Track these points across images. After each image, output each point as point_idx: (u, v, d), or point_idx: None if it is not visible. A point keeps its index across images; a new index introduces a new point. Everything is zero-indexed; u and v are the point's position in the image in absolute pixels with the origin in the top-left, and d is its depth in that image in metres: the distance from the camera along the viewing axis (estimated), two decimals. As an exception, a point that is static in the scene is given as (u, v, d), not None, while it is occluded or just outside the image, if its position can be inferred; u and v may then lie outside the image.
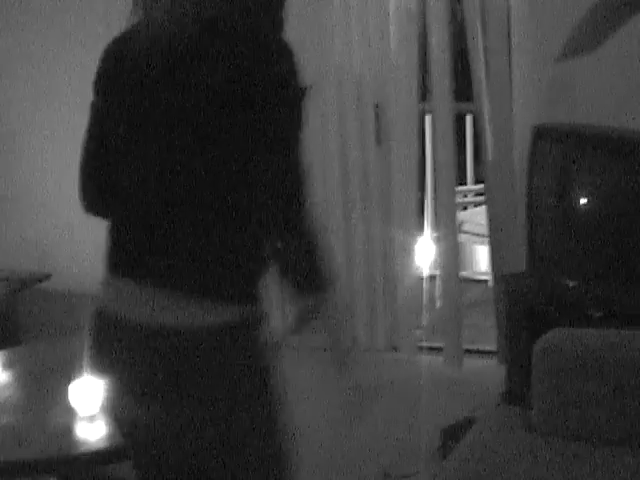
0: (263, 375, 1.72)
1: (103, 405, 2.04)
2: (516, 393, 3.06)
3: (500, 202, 3.90)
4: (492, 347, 4.11)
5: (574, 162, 3.21)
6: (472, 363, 4.11)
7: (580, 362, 2.28)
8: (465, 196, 5.52)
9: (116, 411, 1.83)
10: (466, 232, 5.04)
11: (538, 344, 2.36)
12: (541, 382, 2.33)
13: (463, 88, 4.12)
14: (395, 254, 4.19)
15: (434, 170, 4.54)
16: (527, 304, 3.26)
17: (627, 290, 2.88)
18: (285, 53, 1.64)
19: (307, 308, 1.71)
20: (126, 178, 1.77)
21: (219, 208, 1.67)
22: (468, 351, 4.21)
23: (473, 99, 3.95)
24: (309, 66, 1.85)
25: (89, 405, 2.33)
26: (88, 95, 1.83)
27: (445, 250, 4.12)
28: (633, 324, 2.61)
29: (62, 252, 4.78)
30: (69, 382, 2.38)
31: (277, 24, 1.72)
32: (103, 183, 1.86)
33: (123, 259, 1.76)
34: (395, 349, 4.25)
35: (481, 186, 4.75)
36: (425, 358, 4.12)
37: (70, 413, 2.35)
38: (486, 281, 5.18)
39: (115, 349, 1.71)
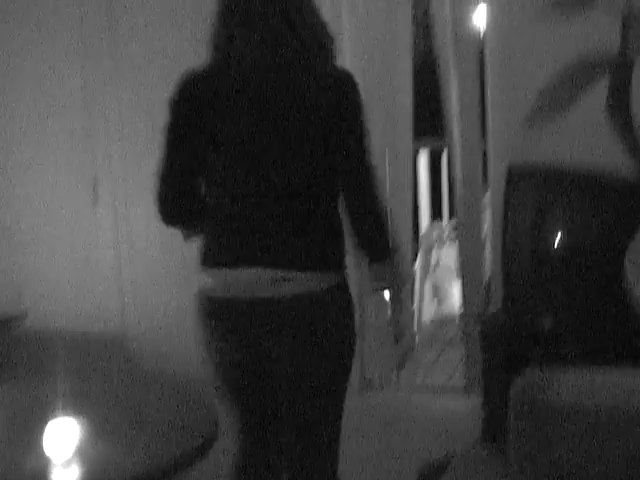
0: (352, 322, 2.29)
1: (77, 448, 2.24)
2: (493, 433, 3.06)
3: (470, 239, 3.93)
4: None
5: (548, 201, 3.23)
6: (448, 401, 4.11)
7: (556, 404, 2.28)
8: (441, 232, 5.55)
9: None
10: (442, 269, 5.06)
11: (514, 386, 2.36)
12: (517, 423, 2.32)
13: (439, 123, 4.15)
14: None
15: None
16: (503, 343, 3.26)
17: (603, 328, 2.89)
18: (346, 78, 2.23)
19: (379, 272, 2.28)
20: (218, 182, 2.26)
21: (313, 200, 2.21)
22: (448, 389, 4.21)
23: (445, 134, 3.99)
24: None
25: (64, 449, 2.30)
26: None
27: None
28: (609, 362, 2.62)
29: (37, 291, 4.76)
30: (45, 424, 2.36)
31: (333, 56, 2.26)
32: (185, 193, 2.32)
33: (225, 254, 2.26)
34: (369, 386, 4.24)
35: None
36: (400, 395, 4.12)
37: (45, 458, 2.32)
38: (461, 317, 5.20)
39: (228, 321, 2.26)
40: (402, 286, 2.36)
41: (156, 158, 3.93)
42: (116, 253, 4.59)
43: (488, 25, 3.74)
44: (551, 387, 2.33)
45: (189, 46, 4.25)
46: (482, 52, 3.82)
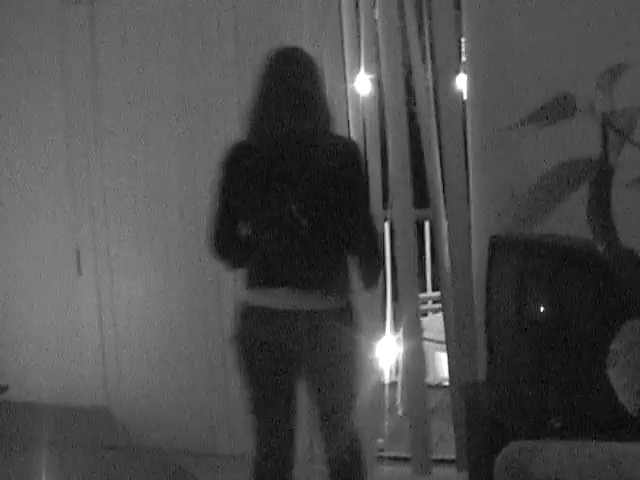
0: (358, 335, 2.99)
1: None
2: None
3: (456, 309, 3.92)
4: (454, 455, 4.09)
5: (530, 271, 3.25)
6: (435, 472, 4.08)
7: (540, 477, 2.28)
8: (425, 303, 5.57)
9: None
10: (426, 339, 5.06)
11: (499, 458, 2.37)
12: (503, 496, 2.32)
13: (422, 194, 4.18)
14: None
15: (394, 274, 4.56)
16: (487, 414, 3.26)
17: (587, 399, 2.90)
18: (353, 146, 3.00)
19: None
20: (258, 226, 2.94)
21: (327, 241, 2.89)
22: (433, 460, 4.18)
23: (430, 206, 4.02)
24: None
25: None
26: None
27: (411, 356, 4.07)
28: (594, 433, 2.62)
29: (19, 363, 4.74)
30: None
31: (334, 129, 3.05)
32: (234, 236, 3.03)
33: (263, 277, 2.94)
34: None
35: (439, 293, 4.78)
36: (387, 469, 4.09)
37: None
38: (447, 387, 5.18)
39: (264, 324, 2.90)
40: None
41: (136, 230, 4.00)
42: (99, 324, 4.59)
43: (469, 94, 3.81)
44: (535, 459, 2.33)
45: (170, 114, 4.33)
46: (465, 120, 3.86)
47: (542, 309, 3.22)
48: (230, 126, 4.21)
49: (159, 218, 4.41)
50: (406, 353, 4.09)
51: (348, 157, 2.92)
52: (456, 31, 3.81)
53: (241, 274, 3.07)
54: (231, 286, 4.30)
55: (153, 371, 4.53)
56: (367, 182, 3.03)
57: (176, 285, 4.43)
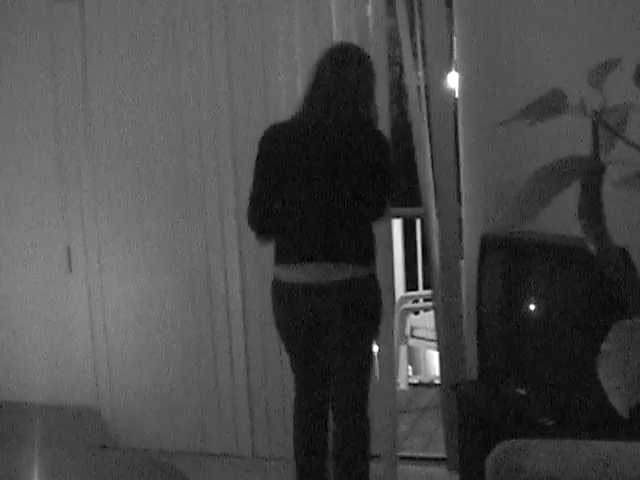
0: (380, 298, 3.29)
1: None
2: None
3: (446, 307, 3.92)
4: (444, 454, 4.08)
5: (520, 270, 3.25)
6: (424, 471, 4.08)
7: (531, 475, 2.28)
8: (416, 301, 5.56)
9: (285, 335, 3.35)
10: (417, 337, 5.06)
11: (490, 458, 2.36)
12: (494, 496, 2.31)
13: (413, 192, 4.17)
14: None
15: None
16: (478, 413, 3.26)
17: (578, 398, 2.89)
18: (382, 136, 3.29)
19: None
20: (288, 205, 3.20)
21: (351, 216, 3.18)
22: (422, 459, 4.19)
23: (422, 204, 4.01)
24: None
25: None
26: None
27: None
28: (585, 432, 2.62)
29: (10, 363, 4.72)
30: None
31: (375, 124, 3.32)
32: (270, 212, 3.25)
33: (292, 253, 3.19)
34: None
35: (431, 291, 4.78)
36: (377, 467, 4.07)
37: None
38: (439, 386, 5.19)
39: (296, 299, 3.19)
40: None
41: (127, 229, 3.99)
42: (89, 323, 4.57)
43: (461, 92, 3.81)
44: (526, 458, 2.33)
45: (161, 111, 4.32)
46: (456, 118, 3.86)
47: (533, 308, 3.21)
48: (222, 122, 4.20)
49: (150, 216, 4.39)
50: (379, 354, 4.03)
51: (377, 145, 3.21)
52: (448, 29, 3.81)
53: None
54: (222, 285, 4.30)
55: (143, 371, 4.52)
56: (393, 171, 3.33)
57: (167, 284, 4.41)
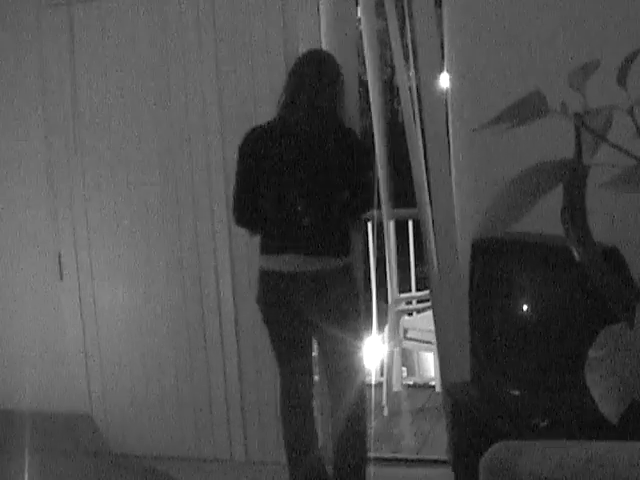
0: (356, 288, 3.53)
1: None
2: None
3: (443, 309, 3.90)
4: (439, 455, 4.07)
5: (514, 272, 3.24)
6: (420, 473, 4.07)
7: (525, 477, 2.27)
8: (409, 303, 5.55)
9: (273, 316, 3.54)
10: (412, 339, 5.05)
11: (484, 459, 2.35)
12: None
13: (406, 194, 4.15)
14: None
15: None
16: (472, 414, 3.25)
17: (571, 398, 2.89)
18: (357, 138, 3.54)
19: None
20: (268, 201, 3.44)
21: (331, 209, 3.40)
22: (419, 461, 4.17)
23: (416, 205, 3.99)
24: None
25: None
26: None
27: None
28: (579, 433, 2.62)
29: (1, 370, 4.70)
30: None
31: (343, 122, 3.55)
32: (249, 208, 3.53)
33: (272, 245, 3.46)
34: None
35: (424, 292, 4.77)
36: (374, 470, 4.07)
37: None
38: (433, 387, 5.18)
39: (276, 286, 3.44)
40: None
41: (118, 235, 4.00)
42: (81, 330, 4.55)
43: (451, 93, 3.80)
44: (520, 459, 2.32)
45: (150, 117, 4.30)
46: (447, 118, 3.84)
47: (526, 309, 3.21)
48: (211, 127, 4.18)
49: (140, 222, 4.38)
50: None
51: (351, 143, 3.44)
52: (438, 29, 3.80)
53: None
54: (213, 291, 4.28)
55: (136, 377, 4.50)
56: (370, 168, 3.59)
57: (158, 290, 4.39)
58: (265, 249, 3.53)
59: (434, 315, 3.98)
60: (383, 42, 3.73)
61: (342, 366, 3.57)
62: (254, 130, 3.55)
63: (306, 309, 3.44)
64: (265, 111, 3.97)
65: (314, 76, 3.46)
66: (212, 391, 4.36)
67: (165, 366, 4.44)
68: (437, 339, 3.98)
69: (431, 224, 3.90)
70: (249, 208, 3.55)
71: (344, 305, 3.46)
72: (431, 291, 4.00)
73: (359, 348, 3.60)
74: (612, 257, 2.66)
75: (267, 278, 3.50)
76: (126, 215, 4.40)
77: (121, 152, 4.37)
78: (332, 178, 3.41)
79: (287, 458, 3.69)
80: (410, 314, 5.38)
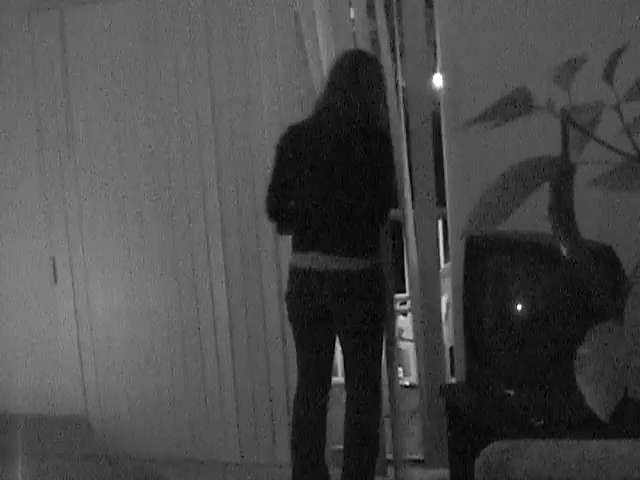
0: (383, 290, 3.53)
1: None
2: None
3: (424, 309, 3.91)
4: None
5: (507, 270, 3.24)
6: (415, 474, 4.06)
7: (521, 477, 2.27)
8: (403, 303, 5.55)
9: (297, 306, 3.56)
10: (405, 339, 5.05)
11: (479, 459, 2.35)
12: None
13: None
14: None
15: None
16: (467, 414, 3.25)
17: (566, 398, 2.89)
18: (385, 134, 3.52)
19: None
20: (299, 197, 3.50)
21: (357, 209, 3.41)
22: (412, 461, 4.16)
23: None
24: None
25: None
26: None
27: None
28: (574, 432, 2.61)
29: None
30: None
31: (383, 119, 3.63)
32: (282, 203, 3.57)
33: (301, 242, 3.50)
34: (333, 460, 4.16)
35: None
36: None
37: None
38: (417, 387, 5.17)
39: (302, 283, 3.49)
40: None
41: (111, 238, 4.00)
42: (76, 333, 4.55)
43: (443, 93, 3.79)
44: (516, 459, 2.31)
45: (143, 120, 4.30)
46: (438, 119, 3.84)
47: (520, 308, 3.21)
48: (204, 128, 4.18)
49: (134, 226, 4.37)
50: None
51: (379, 145, 3.44)
52: (427, 31, 3.80)
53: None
54: (208, 294, 4.28)
55: (131, 380, 4.49)
56: (393, 169, 3.57)
57: (153, 293, 4.39)
58: (295, 246, 3.56)
59: (413, 317, 4.01)
60: (373, 43, 3.73)
61: (362, 368, 3.55)
62: (293, 126, 3.58)
63: (331, 308, 3.46)
64: (259, 105, 3.97)
65: (348, 78, 3.47)
66: (207, 393, 4.36)
67: (160, 369, 4.43)
68: (415, 341, 4.00)
69: (412, 224, 3.89)
70: (281, 200, 3.57)
71: (368, 306, 3.46)
72: (411, 293, 4.00)
73: (379, 351, 3.60)
74: (606, 256, 2.66)
75: (294, 275, 3.54)
76: (120, 219, 4.39)
77: (114, 156, 4.37)
78: (358, 180, 3.40)
79: (291, 455, 3.66)
80: (405, 314, 5.37)
